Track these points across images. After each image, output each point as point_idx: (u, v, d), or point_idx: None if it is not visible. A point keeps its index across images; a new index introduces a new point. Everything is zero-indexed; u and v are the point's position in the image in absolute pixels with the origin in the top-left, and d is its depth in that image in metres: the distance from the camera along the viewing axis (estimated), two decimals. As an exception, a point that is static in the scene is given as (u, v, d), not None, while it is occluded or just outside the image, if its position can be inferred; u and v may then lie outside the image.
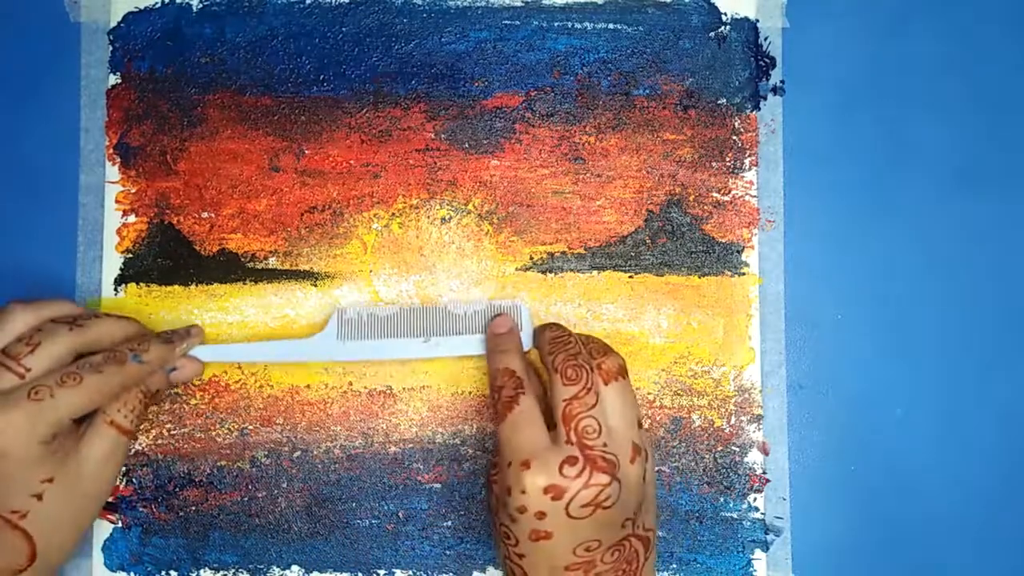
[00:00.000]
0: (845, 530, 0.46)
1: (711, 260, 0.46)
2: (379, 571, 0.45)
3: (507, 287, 0.46)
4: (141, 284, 0.46)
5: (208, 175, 0.46)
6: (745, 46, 0.47)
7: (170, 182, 0.46)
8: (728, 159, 0.46)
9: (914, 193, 0.47)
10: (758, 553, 0.45)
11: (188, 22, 0.47)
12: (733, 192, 0.46)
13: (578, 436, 0.37)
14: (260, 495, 0.45)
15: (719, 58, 0.47)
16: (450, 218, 0.46)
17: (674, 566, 0.45)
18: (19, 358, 0.38)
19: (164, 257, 0.46)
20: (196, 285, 0.46)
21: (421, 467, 0.45)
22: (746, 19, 0.47)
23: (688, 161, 0.46)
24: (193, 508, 0.45)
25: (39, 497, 0.38)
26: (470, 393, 0.46)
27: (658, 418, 0.46)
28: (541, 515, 0.36)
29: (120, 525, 0.45)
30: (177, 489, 0.45)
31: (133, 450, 0.45)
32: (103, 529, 0.45)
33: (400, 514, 0.45)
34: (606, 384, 0.38)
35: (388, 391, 0.46)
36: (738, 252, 0.46)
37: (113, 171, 0.46)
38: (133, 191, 0.46)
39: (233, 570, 0.45)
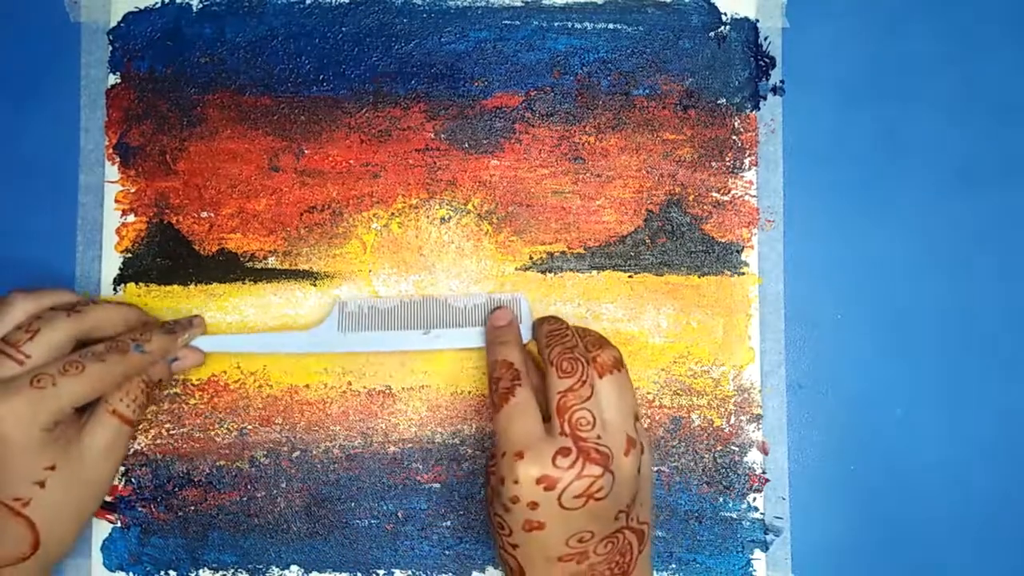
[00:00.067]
0: (845, 530, 0.46)
1: (711, 260, 0.46)
2: (378, 571, 0.45)
3: (506, 287, 0.46)
4: (140, 284, 0.46)
5: (207, 175, 0.46)
6: (745, 46, 0.47)
7: (169, 182, 0.46)
8: (728, 159, 0.46)
9: (914, 193, 0.47)
10: (757, 553, 0.45)
11: (188, 22, 0.47)
12: (733, 192, 0.46)
13: (572, 428, 0.37)
14: (259, 495, 0.45)
15: (719, 58, 0.47)
16: (450, 218, 0.46)
17: (673, 566, 0.45)
18: (19, 345, 0.38)
19: (163, 257, 0.46)
20: (195, 285, 0.46)
21: (420, 467, 0.45)
22: (746, 19, 0.47)
23: (688, 161, 0.46)
24: (192, 508, 0.45)
25: (41, 484, 0.38)
26: (469, 393, 0.46)
27: (657, 418, 0.45)
28: (534, 505, 0.36)
29: (119, 525, 0.45)
30: (176, 489, 0.45)
31: (132, 450, 0.45)
32: (102, 529, 0.45)
33: (399, 514, 0.45)
34: (601, 377, 0.38)
35: (387, 391, 0.46)
36: (738, 252, 0.46)
37: (113, 171, 0.46)
38: (132, 191, 0.46)
39: (232, 570, 0.45)
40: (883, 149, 0.47)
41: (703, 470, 0.45)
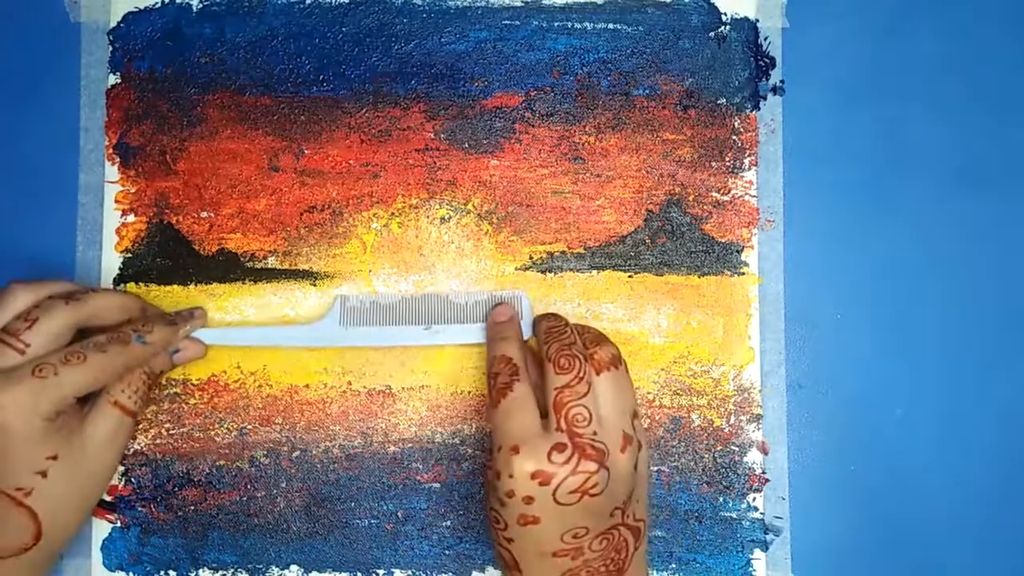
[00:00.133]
0: (845, 530, 0.46)
1: (711, 260, 0.46)
2: (378, 571, 0.45)
3: (506, 287, 0.46)
4: (140, 284, 0.46)
5: (207, 175, 0.46)
6: (745, 46, 0.47)
7: (169, 182, 0.46)
8: (728, 159, 0.46)
9: (914, 193, 0.47)
10: (757, 553, 0.45)
11: (188, 22, 0.47)
12: (733, 192, 0.46)
13: (568, 424, 0.37)
14: (259, 495, 0.45)
15: (719, 58, 0.47)
16: (449, 218, 0.46)
17: (673, 566, 0.45)
18: (18, 334, 0.39)
19: (163, 257, 0.46)
20: (195, 285, 0.46)
21: (420, 467, 0.45)
22: (746, 19, 0.47)
23: (688, 161, 0.46)
24: (192, 508, 0.45)
25: (43, 474, 0.38)
26: (469, 393, 0.46)
27: (657, 418, 0.45)
28: (529, 500, 0.36)
29: (119, 525, 0.45)
30: (176, 489, 0.45)
31: (132, 449, 0.45)
32: (102, 529, 0.45)
33: (399, 514, 0.45)
34: (598, 374, 0.38)
35: (387, 391, 0.46)
36: (738, 252, 0.46)
37: (112, 171, 0.46)
38: (132, 191, 0.46)
39: (232, 570, 0.45)
40: (883, 149, 0.47)
41: (703, 470, 0.45)
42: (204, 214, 0.46)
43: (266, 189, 0.46)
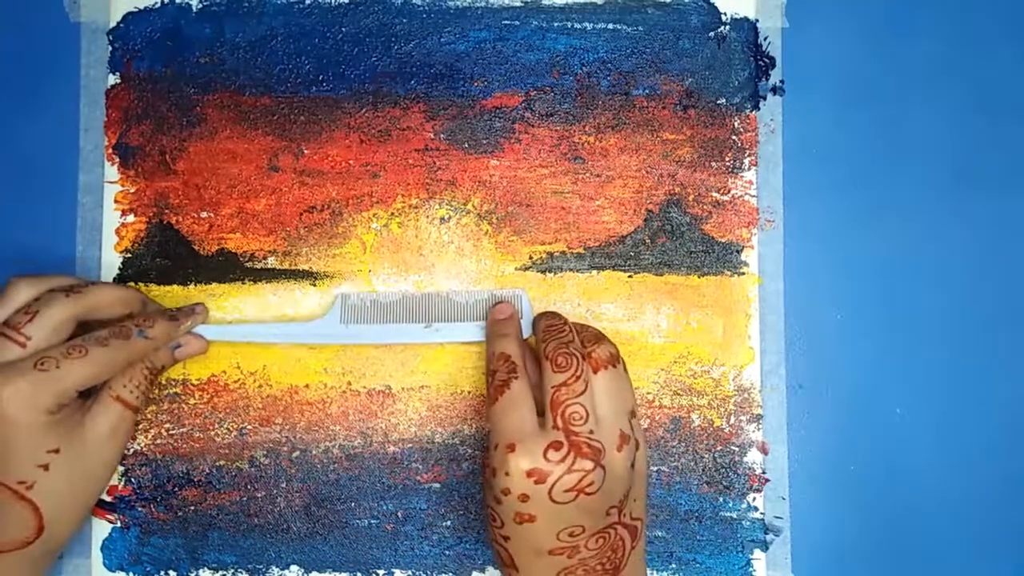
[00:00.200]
0: (845, 530, 0.46)
1: (711, 260, 0.46)
2: (378, 571, 0.45)
3: (506, 287, 0.46)
4: (140, 284, 0.46)
5: (207, 175, 0.46)
6: (745, 46, 0.47)
7: (169, 182, 0.46)
8: (727, 159, 0.46)
9: (914, 193, 0.47)
10: (757, 553, 0.45)
11: (188, 22, 0.47)
12: (732, 192, 0.46)
13: (564, 422, 0.37)
14: (259, 495, 0.45)
15: (719, 58, 0.47)
16: (449, 218, 0.46)
17: (673, 566, 0.45)
18: (19, 327, 0.39)
19: (163, 257, 0.46)
20: (195, 285, 0.46)
21: (420, 467, 0.45)
22: (745, 19, 0.47)
23: (687, 161, 0.46)
24: (192, 508, 0.45)
25: (45, 468, 0.38)
26: (469, 393, 0.46)
27: (658, 418, 0.45)
28: (524, 498, 0.36)
29: (119, 525, 0.45)
30: (176, 489, 0.45)
31: (132, 450, 0.45)
32: (102, 529, 0.45)
33: (399, 514, 0.45)
34: (596, 372, 0.38)
35: (387, 391, 0.46)
36: (737, 252, 0.46)
37: (112, 171, 0.46)
38: (132, 191, 0.46)
39: (232, 570, 0.45)
40: (883, 149, 0.47)
41: (703, 470, 0.45)
42: (204, 214, 0.46)
43: (266, 189, 0.46)
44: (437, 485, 0.45)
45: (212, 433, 0.45)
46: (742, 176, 0.46)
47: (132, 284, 0.46)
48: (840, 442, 0.46)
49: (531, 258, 0.46)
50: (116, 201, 0.46)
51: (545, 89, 0.47)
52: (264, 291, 0.46)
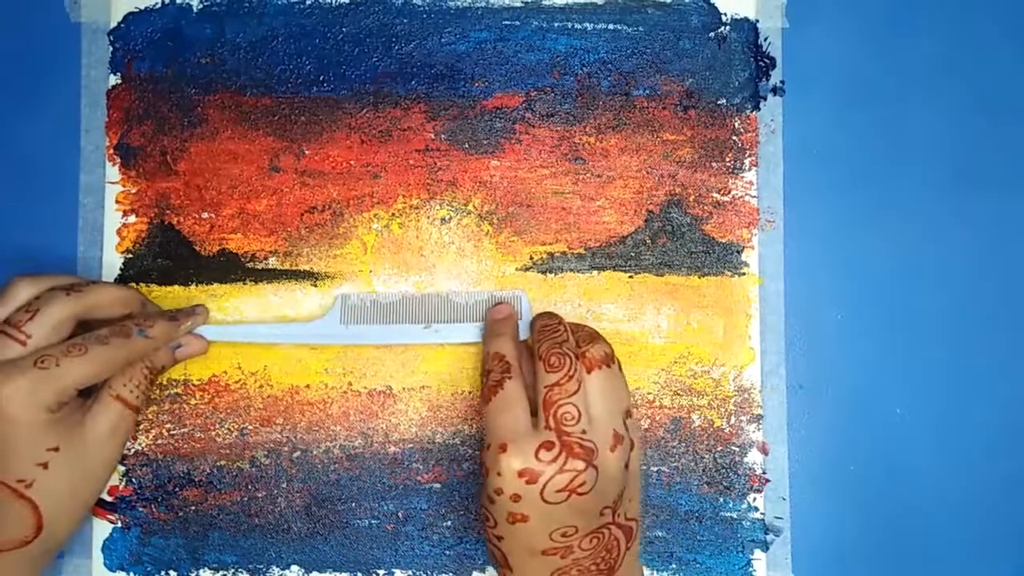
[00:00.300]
0: (845, 530, 0.46)
1: (711, 260, 0.46)
2: (379, 571, 0.45)
3: (507, 287, 0.46)
4: (141, 284, 0.46)
5: (208, 175, 0.46)
6: (745, 46, 0.47)
7: (170, 182, 0.46)
8: (728, 159, 0.46)
9: (914, 193, 0.47)
10: (758, 553, 0.45)
11: (188, 22, 0.47)
12: (733, 192, 0.46)
13: (556, 422, 0.37)
14: (260, 495, 0.45)
15: (719, 58, 0.47)
16: (450, 218, 0.46)
17: (674, 566, 0.45)
18: (20, 326, 0.39)
19: (164, 257, 0.46)
20: (196, 285, 0.46)
21: (420, 467, 0.45)
22: (746, 19, 0.47)
23: (688, 161, 0.46)
24: (193, 508, 0.45)
25: (45, 466, 0.38)
26: (469, 393, 0.46)
27: (658, 418, 0.46)
28: (516, 498, 0.36)
29: (120, 525, 0.45)
30: (177, 489, 0.45)
31: (133, 450, 0.45)
32: (103, 529, 0.45)
33: (400, 514, 0.45)
34: (589, 372, 0.38)
35: (388, 391, 0.46)
36: (738, 252, 0.46)
37: (113, 171, 0.46)
38: (133, 191, 0.46)
39: (232, 570, 0.45)
40: (883, 149, 0.47)
41: (703, 470, 0.45)
42: (205, 215, 0.46)
43: (267, 189, 0.46)
44: (438, 485, 0.46)
45: (213, 433, 0.46)
46: (742, 176, 0.46)
47: (133, 285, 0.46)
48: (840, 442, 0.46)
49: (532, 258, 0.46)
50: (117, 202, 0.46)
51: (546, 89, 0.47)
52: (265, 291, 0.46)
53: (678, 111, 0.47)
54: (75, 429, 0.40)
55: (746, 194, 0.46)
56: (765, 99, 0.47)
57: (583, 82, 0.47)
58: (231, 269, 0.46)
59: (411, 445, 0.46)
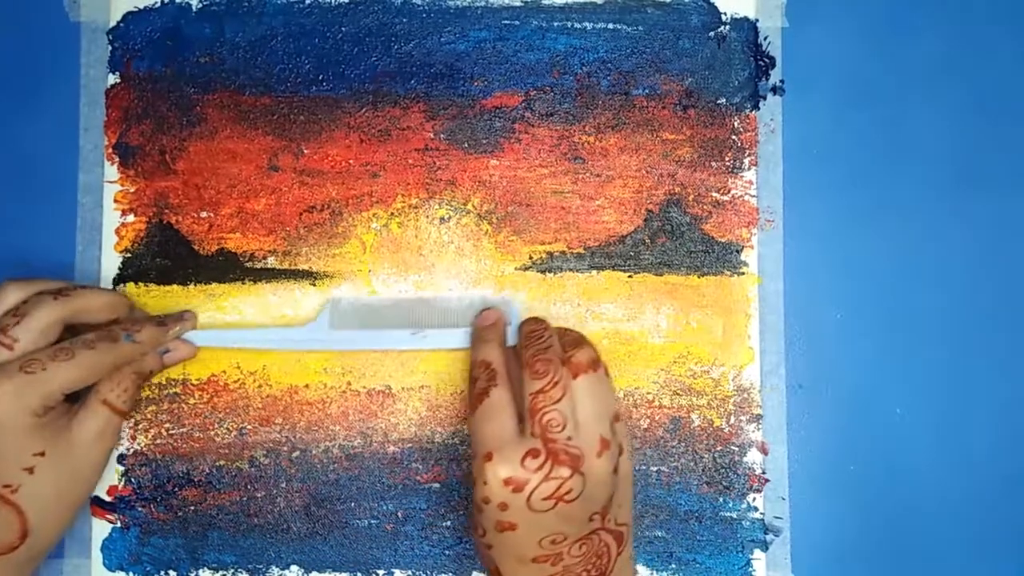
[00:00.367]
0: (845, 530, 0.46)
1: (710, 260, 0.46)
2: (378, 571, 0.45)
3: (506, 287, 0.46)
4: (139, 284, 0.46)
5: (207, 175, 0.46)
6: (745, 46, 0.47)
7: (169, 182, 0.46)
8: (727, 159, 0.46)
9: (914, 193, 0.47)
10: (757, 553, 0.45)
11: (187, 22, 0.47)
12: (732, 192, 0.46)
13: (542, 429, 0.37)
14: (259, 495, 0.45)
15: (719, 58, 0.47)
16: (449, 218, 0.46)
17: (673, 566, 0.45)
18: (7, 330, 0.39)
19: (163, 257, 0.46)
20: (194, 285, 0.46)
21: (420, 467, 0.45)
22: (745, 19, 0.47)
23: (687, 161, 0.46)
24: (192, 508, 0.45)
25: (30, 471, 0.38)
26: (469, 393, 0.46)
27: (657, 418, 0.45)
28: (504, 506, 0.36)
29: (119, 525, 0.45)
30: (176, 489, 0.45)
31: (132, 450, 0.45)
32: (102, 529, 0.45)
33: (399, 514, 0.45)
34: (575, 377, 0.38)
35: (387, 391, 0.46)
36: (737, 252, 0.46)
37: (112, 170, 0.46)
38: (132, 190, 0.46)
39: (232, 570, 0.45)
40: (883, 149, 0.47)
41: (703, 470, 0.45)
42: (203, 214, 0.46)
43: (265, 189, 0.46)
44: (437, 485, 0.45)
45: (212, 433, 0.45)
46: (742, 176, 0.46)
47: (132, 284, 0.46)
48: (840, 442, 0.46)
49: (531, 258, 0.46)
50: (116, 201, 0.46)
51: (545, 89, 0.47)
52: (264, 291, 0.46)
53: (677, 110, 0.46)
54: (61, 434, 0.39)
55: (745, 193, 0.46)
56: (765, 98, 0.47)
57: (582, 81, 0.47)
58: (230, 268, 0.46)
59: (410, 445, 0.46)
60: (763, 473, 0.45)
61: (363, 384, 0.46)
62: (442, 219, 0.46)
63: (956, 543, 0.46)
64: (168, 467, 0.45)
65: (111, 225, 0.46)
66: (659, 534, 0.45)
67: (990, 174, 0.47)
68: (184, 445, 0.45)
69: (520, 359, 0.40)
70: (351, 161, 0.46)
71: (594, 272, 0.46)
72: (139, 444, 0.45)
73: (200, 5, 0.47)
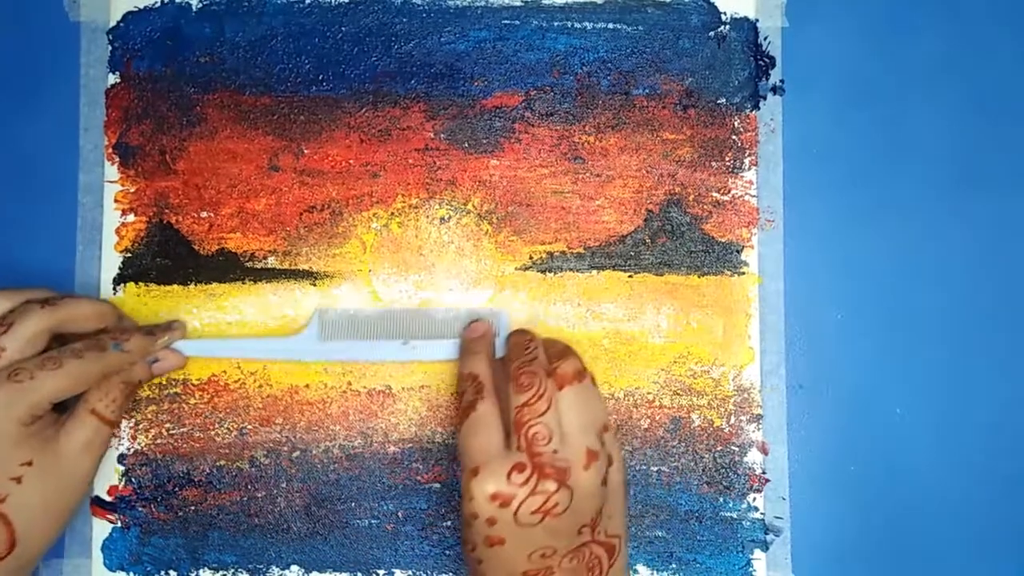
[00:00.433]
0: (845, 530, 0.46)
1: (711, 260, 0.46)
2: (378, 571, 0.45)
3: (506, 287, 0.46)
4: (140, 284, 0.46)
5: (207, 174, 0.46)
6: (745, 46, 0.47)
7: (169, 181, 0.46)
8: (728, 159, 0.46)
9: (914, 192, 0.47)
10: (758, 553, 0.45)
11: (187, 21, 0.47)
12: (733, 192, 0.46)
13: (528, 443, 0.36)
14: (259, 495, 0.45)
15: (719, 58, 0.47)
16: (449, 218, 0.46)
17: (674, 566, 0.45)
18: None
19: (163, 256, 0.46)
20: (195, 284, 0.46)
21: (420, 467, 0.45)
22: (745, 19, 0.47)
23: (688, 161, 0.46)
24: (192, 508, 0.45)
25: (18, 480, 0.38)
26: (469, 393, 0.46)
27: (658, 418, 0.45)
28: (491, 521, 0.36)
29: (119, 525, 0.45)
30: (176, 489, 0.45)
31: (132, 450, 0.45)
32: (102, 529, 0.45)
33: (399, 514, 0.45)
34: (560, 389, 0.38)
35: (387, 391, 0.46)
36: (738, 252, 0.46)
37: (112, 170, 0.46)
38: (132, 190, 0.46)
39: (232, 570, 0.45)
40: (883, 149, 0.47)
41: (703, 470, 0.45)
42: (204, 214, 0.46)
43: (266, 189, 0.46)
44: (437, 485, 0.45)
45: (212, 433, 0.45)
46: (742, 176, 0.46)
47: (132, 284, 0.46)
48: (840, 442, 0.46)
49: (531, 258, 0.46)
50: (116, 201, 0.46)
51: (545, 89, 0.47)
52: (264, 291, 0.46)
53: (678, 110, 0.46)
54: (49, 443, 0.39)
55: (746, 193, 0.46)
56: (765, 98, 0.47)
57: (583, 81, 0.47)
58: (230, 268, 0.46)
59: (411, 445, 0.46)
60: (763, 473, 0.45)
61: (363, 384, 0.46)
62: (442, 219, 0.46)
63: (956, 543, 0.46)
64: (168, 467, 0.45)
65: (111, 225, 0.46)
66: (659, 534, 0.45)
67: (990, 174, 0.47)
68: (184, 445, 0.45)
69: (506, 371, 0.39)
70: (351, 161, 0.46)
71: (594, 272, 0.46)
72: (139, 444, 0.45)
73: (200, 5, 0.47)
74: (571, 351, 0.40)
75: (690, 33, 0.47)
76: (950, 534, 0.46)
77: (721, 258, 0.46)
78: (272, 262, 0.46)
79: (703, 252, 0.46)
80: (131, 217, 0.46)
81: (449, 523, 0.45)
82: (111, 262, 0.46)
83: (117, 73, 0.47)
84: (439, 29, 0.47)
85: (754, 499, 0.45)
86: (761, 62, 0.47)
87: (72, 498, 0.41)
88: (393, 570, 0.45)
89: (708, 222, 0.46)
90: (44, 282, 0.45)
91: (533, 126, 0.46)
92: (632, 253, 0.46)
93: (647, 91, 0.47)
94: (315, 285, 0.46)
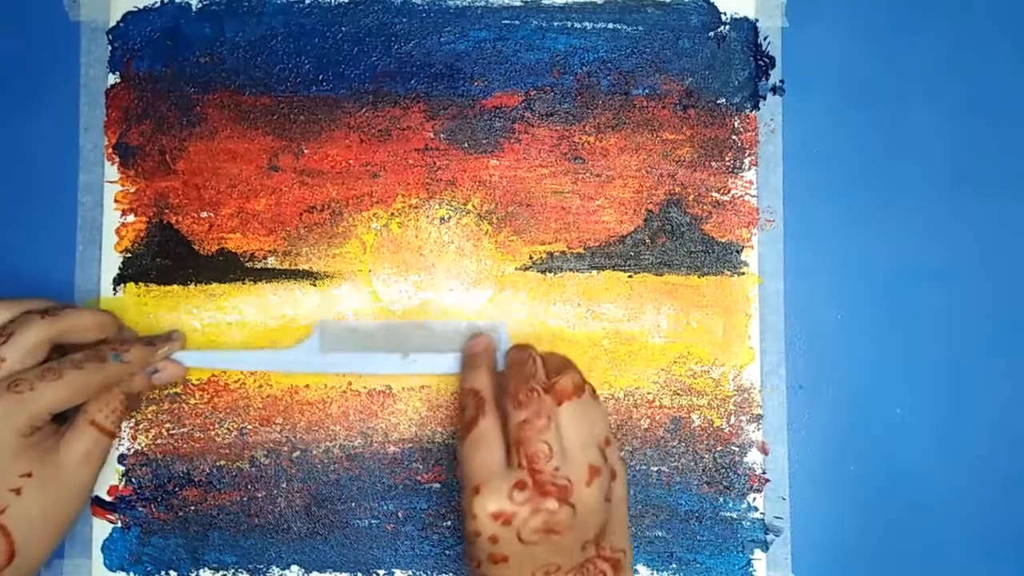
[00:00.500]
0: (845, 530, 0.46)
1: (711, 260, 0.46)
2: (379, 571, 0.45)
3: (506, 287, 0.46)
4: (140, 284, 0.46)
5: (207, 175, 0.46)
6: (744, 46, 0.47)
7: (169, 182, 0.46)
8: (727, 159, 0.46)
9: (914, 193, 0.47)
10: (758, 553, 0.45)
11: (187, 21, 0.47)
12: (733, 192, 0.46)
13: (528, 460, 0.36)
14: (259, 495, 0.45)
15: (718, 58, 0.47)
16: (449, 218, 0.46)
17: (674, 566, 0.45)
18: None
19: (163, 257, 0.46)
20: (195, 285, 0.46)
21: (420, 467, 0.45)
22: (745, 19, 0.47)
23: (687, 161, 0.46)
24: (192, 508, 0.45)
25: (17, 492, 0.38)
26: (469, 393, 0.46)
27: (658, 418, 0.46)
28: (494, 539, 0.36)
29: (119, 525, 0.45)
30: (176, 489, 0.45)
31: (133, 450, 0.45)
32: (102, 529, 0.45)
33: (399, 514, 0.45)
34: (559, 404, 0.37)
35: (387, 391, 0.46)
36: (737, 252, 0.46)
37: (112, 170, 0.46)
38: (132, 191, 0.46)
39: (232, 570, 0.45)
40: (883, 149, 0.47)
41: (703, 470, 0.45)
42: (204, 214, 0.46)
43: (266, 189, 0.46)
44: (437, 485, 0.45)
45: (212, 433, 0.45)
46: (742, 176, 0.46)
47: (132, 284, 0.46)
48: (840, 442, 0.46)
49: (531, 258, 0.46)
50: (116, 201, 0.46)
51: (545, 89, 0.47)
52: (264, 291, 0.46)
53: (677, 110, 0.46)
54: (49, 454, 0.39)
55: (746, 194, 0.46)
56: (764, 98, 0.47)
57: (582, 81, 0.47)
58: (230, 268, 0.46)
59: (411, 445, 0.46)
60: (763, 473, 0.45)
61: (363, 384, 0.46)
62: (442, 219, 0.46)
63: (956, 543, 0.46)
64: (169, 467, 0.45)
65: (111, 225, 0.46)
66: (659, 534, 0.45)
67: (990, 174, 0.47)
68: (185, 445, 0.45)
69: (505, 388, 0.39)
70: (351, 161, 0.46)
71: (594, 272, 0.46)
72: (140, 444, 0.45)
73: (200, 5, 0.47)
74: (570, 365, 0.40)
75: (690, 33, 0.47)
76: (950, 534, 0.46)
77: (721, 258, 0.46)
78: (272, 262, 0.46)
79: (703, 252, 0.46)
80: (131, 217, 0.46)
81: (449, 523, 0.45)
82: (111, 262, 0.46)
83: (117, 73, 0.47)
84: (439, 29, 0.47)
85: (754, 499, 0.45)
86: (761, 62, 0.47)
87: (71, 509, 0.40)
88: (393, 570, 0.45)
89: (708, 222, 0.46)
90: (44, 282, 0.46)
91: (533, 126, 0.46)
92: (632, 253, 0.46)
93: (647, 91, 0.47)
94: (315, 285, 0.46)
